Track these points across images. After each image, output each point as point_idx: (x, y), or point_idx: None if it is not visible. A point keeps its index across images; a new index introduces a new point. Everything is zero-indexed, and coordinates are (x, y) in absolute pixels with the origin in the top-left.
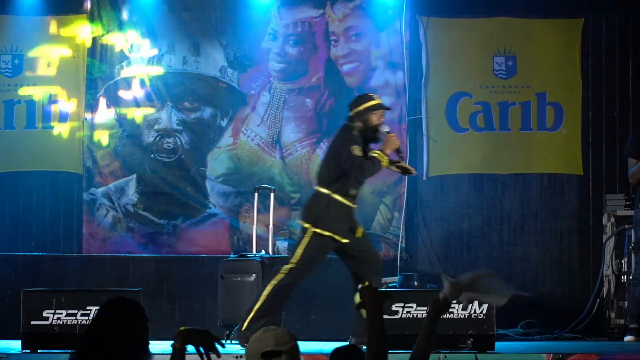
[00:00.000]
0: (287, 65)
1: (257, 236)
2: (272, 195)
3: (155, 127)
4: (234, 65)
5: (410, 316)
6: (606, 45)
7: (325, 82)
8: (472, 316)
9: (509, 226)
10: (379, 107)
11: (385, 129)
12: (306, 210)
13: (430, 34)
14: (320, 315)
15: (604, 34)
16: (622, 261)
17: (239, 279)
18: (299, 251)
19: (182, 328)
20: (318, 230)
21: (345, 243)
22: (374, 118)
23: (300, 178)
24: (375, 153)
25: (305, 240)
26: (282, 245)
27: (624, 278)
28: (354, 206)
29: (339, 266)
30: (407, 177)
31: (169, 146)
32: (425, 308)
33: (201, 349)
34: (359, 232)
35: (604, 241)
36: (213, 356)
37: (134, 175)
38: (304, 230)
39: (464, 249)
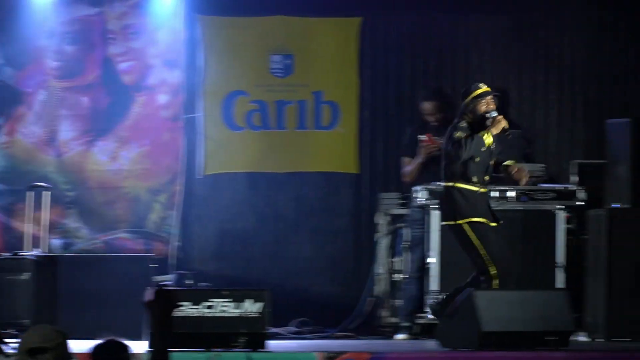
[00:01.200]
0: (64, 64)
1: (31, 234)
2: (46, 193)
3: None
4: (11, 63)
5: (184, 314)
6: (383, 44)
7: (103, 81)
8: (245, 314)
9: (284, 224)
10: (485, 94)
11: (493, 114)
12: (442, 210)
13: (208, 32)
14: (94, 314)
15: (381, 33)
16: (395, 260)
17: (12, 277)
18: (482, 251)
19: None
20: (464, 221)
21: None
22: (482, 107)
23: (75, 177)
24: (480, 134)
25: (471, 236)
26: (56, 243)
27: (396, 277)
28: (483, 190)
29: (114, 265)
30: (184, 175)
31: None
32: (198, 307)
33: None
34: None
35: (377, 240)
36: None
37: None
38: (456, 228)
39: (238, 247)
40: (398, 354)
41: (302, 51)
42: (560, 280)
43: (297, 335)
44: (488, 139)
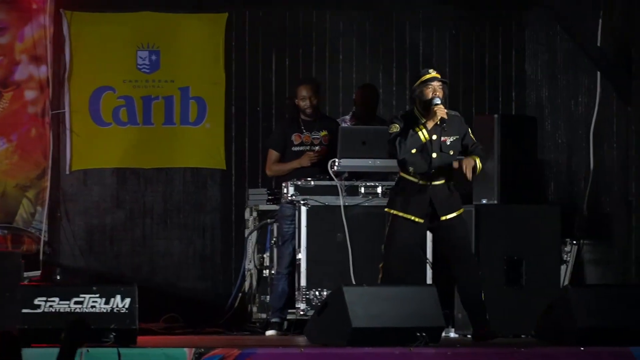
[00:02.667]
0: None
1: None
2: None
3: None
4: None
5: (53, 310)
6: (250, 40)
7: None
8: (114, 310)
9: (152, 220)
10: (431, 80)
11: (436, 101)
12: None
13: (74, 28)
14: None
15: (247, 29)
16: (265, 255)
17: None
18: (385, 243)
19: None
20: (388, 209)
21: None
22: (429, 92)
23: None
24: (416, 129)
25: (388, 224)
26: None
27: (266, 272)
28: (422, 182)
29: None
30: (50, 171)
31: None
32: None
33: None
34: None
35: (246, 235)
36: None
37: None
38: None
39: (107, 242)
40: (267, 350)
41: (169, 47)
42: (429, 276)
43: (166, 331)
44: (423, 135)
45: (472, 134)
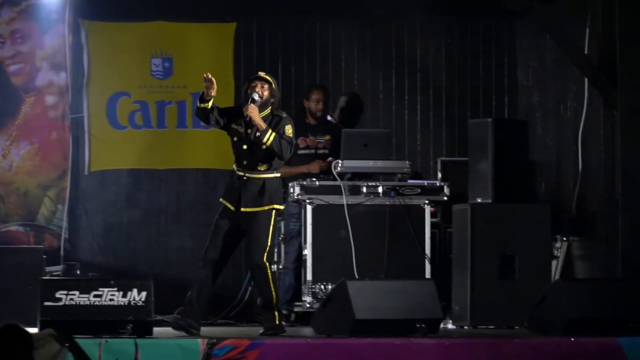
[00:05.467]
0: None
1: None
2: None
3: None
4: None
5: (73, 303)
6: (257, 48)
7: None
8: (131, 303)
9: (166, 218)
10: (252, 78)
11: (254, 96)
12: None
13: (92, 36)
14: None
15: (255, 37)
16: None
17: None
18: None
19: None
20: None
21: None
22: (248, 90)
23: None
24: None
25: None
26: None
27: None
28: (239, 173)
29: (6, 257)
30: (69, 172)
31: None
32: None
33: None
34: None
35: None
36: None
37: None
38: None
39: (123, 239)
40: (276, 340)
41: (181, 55)
42: (427, 270)
43: None
44: (238, 128)
45: None
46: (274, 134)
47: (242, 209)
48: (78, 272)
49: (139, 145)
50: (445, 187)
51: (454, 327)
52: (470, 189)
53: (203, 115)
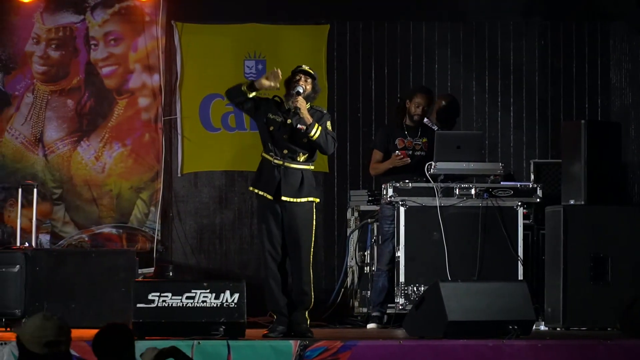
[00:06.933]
0: (49, 68)
1: (21, 229)
2: (35, 190)
3: None
4: None
5: (166, 305)
6: (350, 50)
7: (86, 84)
8: (224, 305)
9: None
10: (295, 71)
11: (297, 89)
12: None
13: (185, 38)
14: (81, 305)
15: (348, 39)
16: (365, 253)
17: (3, 269)
18: None
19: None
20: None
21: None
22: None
23: (61, 175)
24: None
25: None
26: (45, 238)
27: (366, 269)
28: (277, 162)
29: (99, 258)
30: (162, 174)
31: None
32: (179, 297)
33: None
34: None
35: (348, 234)
36: None
37: None
38: None
39: (216, 241)
40: (368, 342)
41: (274, 57)
42: (520, 272)
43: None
44: (275, 117)
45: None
46: (320, 128)
47: (283, 198)
48: (170, 274)
49: (232, 147)
50: (538, 188)
51: (547, 328)
52: (563, 190)
53: (238, 98)
